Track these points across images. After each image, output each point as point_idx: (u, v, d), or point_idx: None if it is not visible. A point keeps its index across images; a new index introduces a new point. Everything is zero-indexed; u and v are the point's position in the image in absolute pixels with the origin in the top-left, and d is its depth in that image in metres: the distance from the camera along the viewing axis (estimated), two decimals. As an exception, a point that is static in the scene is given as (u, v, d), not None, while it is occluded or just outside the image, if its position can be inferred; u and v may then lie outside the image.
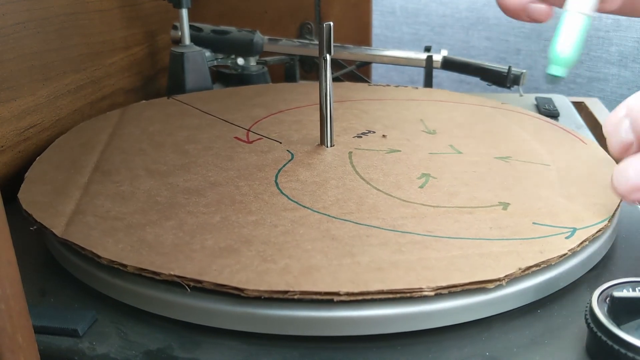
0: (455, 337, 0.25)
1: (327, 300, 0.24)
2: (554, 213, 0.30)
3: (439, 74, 0.63)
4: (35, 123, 0.43)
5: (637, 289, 0.24)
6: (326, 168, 0.35)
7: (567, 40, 0.35)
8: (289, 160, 0.36)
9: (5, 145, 0.40)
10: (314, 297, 0.24)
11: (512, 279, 0.25)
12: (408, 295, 0.24)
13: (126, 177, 0.34)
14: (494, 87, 0.57)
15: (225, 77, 0.61)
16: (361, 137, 0.41)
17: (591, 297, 0.23)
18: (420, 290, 0.24)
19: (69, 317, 0.26)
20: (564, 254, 0.27)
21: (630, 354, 0.21)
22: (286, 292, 0.24)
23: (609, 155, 0.39)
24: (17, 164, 0.41)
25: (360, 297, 0.24)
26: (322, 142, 0.39)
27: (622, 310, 0.22)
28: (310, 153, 0.38)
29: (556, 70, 0.35)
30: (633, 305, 0.22)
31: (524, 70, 0.56)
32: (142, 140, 0.39)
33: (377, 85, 0.55)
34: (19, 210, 0.31)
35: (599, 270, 0.30)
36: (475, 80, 0.58)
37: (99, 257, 0.26)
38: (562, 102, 0.55)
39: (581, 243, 0.28)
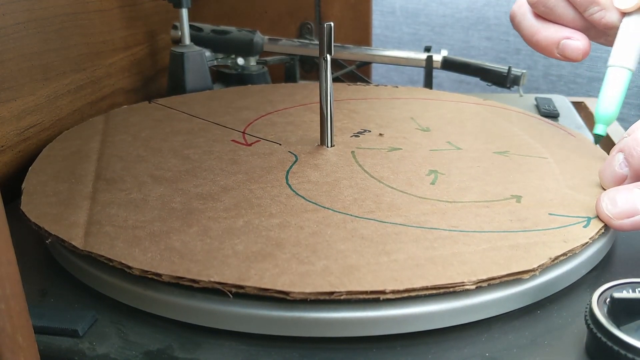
0: (455, 337, 0.25)
1: (328, 300, 0.24)
2: (566, 204, 0.31)
3: (438, 74, 0.63)
4: (35, 123, 0.43)
5: (637, 290, 0.24)
6: (334, 168, 0.35)
7: (612, 98, 0.36)
8: (294, 162, 0.36)
9: (5, 145, 0.40)
10: (360, 296, 0.24)
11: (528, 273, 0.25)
12: (451, 290, 0.24)
13: (133, 184, 0.33)
14: (493, 87, 0.57)
15: (225, 77, 0.61)
16: (358, 136, 0.41)
17: (591, 298, 0.23)
18: (462, 284, 0.24)
19: (69, 317, 0.26)
20: (586, 242, 0.28)
21: (630, 355, 0.21)
22: (332, 293, 0.24)
23: (599, 147, 0.39)
24: (17, 164, 0.41)
25: (405, 295, 0.24)
26: (323, 142, 0.39)
27: (622, 311, 0.23)
28: (313, 154, 0.38)
29: (602, 129, 0.37)
30: (633, 306, 0.22)
31: (524, 71, 0.56)
32: (137, 146, 0.39)
33: (357, 84, 0.55)
34: (19, 210, 0.31)
35: (598, 271, 0.30)
36: (475, 80, 0.58)
37: (129, 267, 0.25)
38: (562, 102, 0.55)
39: (598, 231, 0.29)
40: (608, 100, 0.36)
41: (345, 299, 0.24)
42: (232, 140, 0.40)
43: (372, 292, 0.24)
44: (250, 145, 0.39)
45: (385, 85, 0.55)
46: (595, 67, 0.77)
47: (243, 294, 0.24)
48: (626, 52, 0.36)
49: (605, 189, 0.31)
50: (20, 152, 0.41)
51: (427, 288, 0.24)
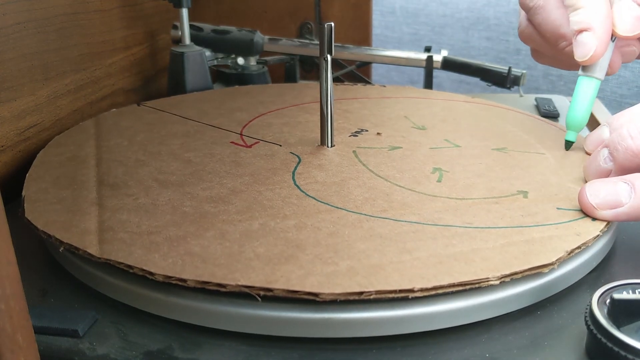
0: (455, 338, 0.25)
1: (328, 301, 0.24)
2: (571, 198, 0.32)
3: (439, 74, 0.63)
4: (35, 123, 0.43)
5: (637, 291, 0.24)
6: (339, 168, 0.35)
7: (582, 106, 0.38)
8: (298, 163, 0.36)
9: (5, 145, 0.40)
10: (389, 295, 0.24)
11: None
12: (477, 286, 0.24)
13: (139, 189, 0.33)
14: (493, 87, 0.57)
15: (225, 77, 0.61)
16: (357, 135, 0.41)
17: (591, 299, 0.23)
18: (487, 280, 0.25)
19: (69, 317, 0.26)
20: (597, 235, 0.28)
21: (630, 356, 0.21)
22: (361, 293, 0.24)
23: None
24: (17, 164, 0.41)
25: (433, 292, 0.24)
26: (323, 142, 0.39)
27: (622, 312, 0.22)
28: (315, 154, 0.38)
29: (573, 136, 0.39)
30: (633, 307, 0.22)
31: (524, 71, 0.56)
32: (135, 150, 0.38)
33: (344, 84, 0.55)
34: (18, 210, 0.31)
35: (598, 272, 0.30)
36: (475, 80, 0.58)
37: (152, 274, 0.25)
38: (562, 102, 0.55)
39: (607, 224, 0.29)
40: (579, 109, 0.38)
41: (375, 298, 0.24)
42: (231, 142, 0.40)
43: (401, 291, 0.24)
44: (250, 147, 0.39)
45: (373, 85, 0.55)
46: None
47: (271, 297, 0.24)
48: (598, 63, 0.37)
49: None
50: (20, 152, 0.41)
51: (454, 285, 0.24)
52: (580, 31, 0.36)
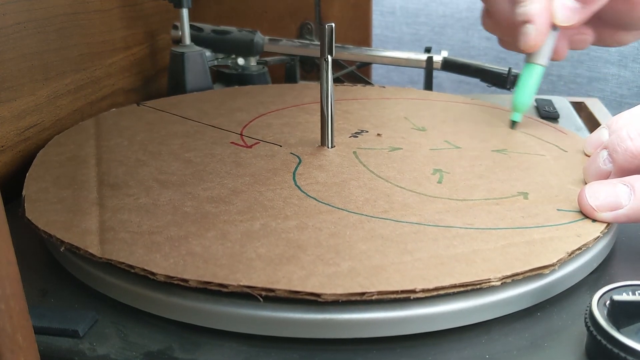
0: (455, 339, 0.25)
1: (329, 302, 0.24)
2: (571, 199, 0.32)
3: (439, 75, 0.63)
4: (35, 123, 0.43)
5: (637, 293, 0.24)
6: (339, 169, 0.35)
7: (527, 90, 0.42)
8: (299, 163, 0.36)
9: (5, 145, 0.40)
10: (391, 296, 0.24)
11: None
12: (478, 287, 0.25)
13: (139, 189, 0.33)
14: (493, 88, 0.57)
15: (225, 77, 0.61)
16: (357, 136, 0.41)
17: (591, 301, 0.23)
18: (489, 281, 0.25)
19: (69, 317, 0.26)
20: (598, 237, 0.29)
21: (630, 358, 0.21)
22: (363, 293, 0.24)
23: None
24: (17, 164, 0.41)
25: (435, 293, 0.24)
26: (323, 143, 0.39)
27: (622, 313, 0.23)
28: (316, 155, 0.38)
29: (518, 117, 0.42)
30: (633, 308, 0.22)
31: (524, 72, 0.56)
32: (135, 150, 0.38)
33: (344, 85, 0.55)
34: (18, 210, 0.31)
35: (598, 273, 0.30)
36: (476, 81, 0.58)
37: (153, 274, 0.25)
38: (562, 103, 0.55)
39: (607, 225, 0.29)
40: (524, 92, 0.42)
41: (376, 299, 0.24)
42: (232, 143, 0.40)
43: (402, 292, 0.24)
44: (250, 147, 0.39)
45: (373, 85, 0.55)
46: (595, 67, 0.77)
47: (273, 297, 0.24)
48: (540, 51, 0.41)
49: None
50: (20, 152, 0.41)
51: (455, 286, 0.24)
52: (524, 22, 0.39)
